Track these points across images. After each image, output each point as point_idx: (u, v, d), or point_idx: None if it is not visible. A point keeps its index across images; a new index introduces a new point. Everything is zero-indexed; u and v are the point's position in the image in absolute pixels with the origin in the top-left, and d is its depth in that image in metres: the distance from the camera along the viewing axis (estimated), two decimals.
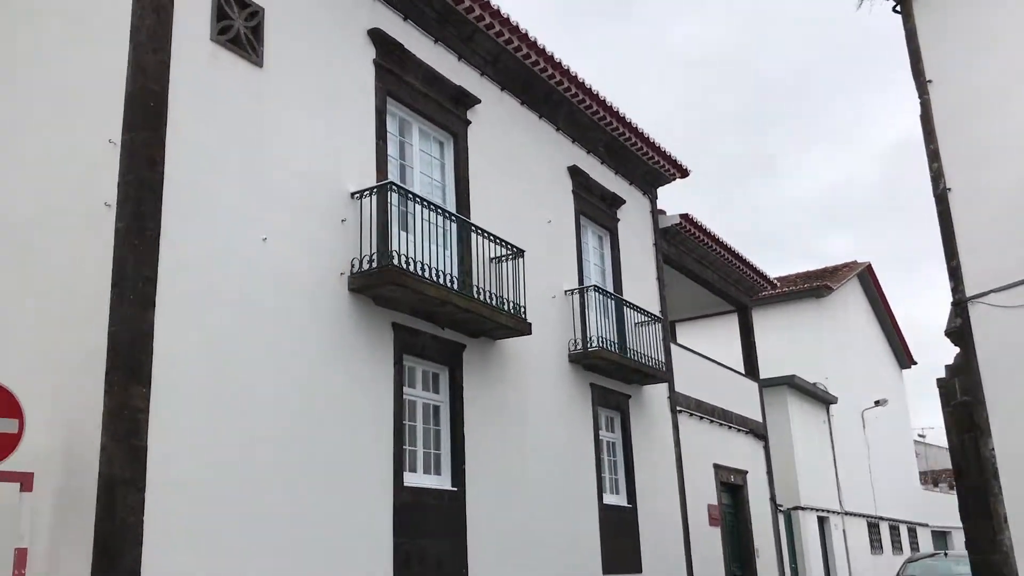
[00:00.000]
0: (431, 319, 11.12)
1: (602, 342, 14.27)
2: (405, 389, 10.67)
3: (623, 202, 16.55)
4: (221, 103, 8.99)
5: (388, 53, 11.30)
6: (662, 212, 18.34)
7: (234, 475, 8.32)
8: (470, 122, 12.72)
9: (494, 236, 11.94)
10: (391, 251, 10.17)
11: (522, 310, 12.23)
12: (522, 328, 12.09)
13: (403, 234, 10.76)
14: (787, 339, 28.47)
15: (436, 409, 11.38)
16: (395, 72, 11.40)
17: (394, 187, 10.38)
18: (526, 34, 13.40)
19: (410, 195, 10.64)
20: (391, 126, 11.39)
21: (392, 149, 11.35)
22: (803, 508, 24.68)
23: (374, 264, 10.09)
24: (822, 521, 26.30)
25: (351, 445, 9.65)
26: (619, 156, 16.75)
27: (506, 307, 11.93)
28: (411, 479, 10.48)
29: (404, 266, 10.18)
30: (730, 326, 24.91)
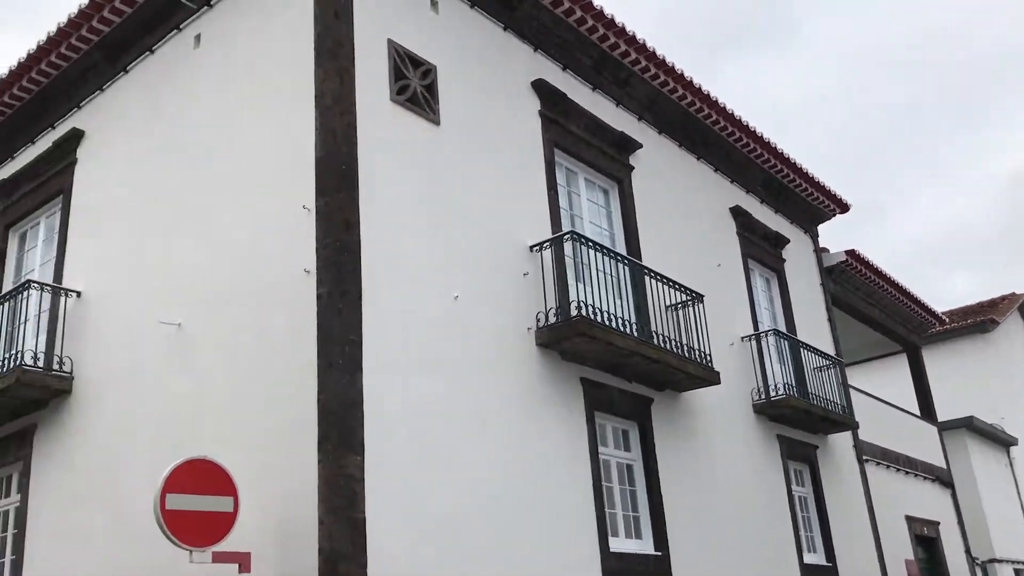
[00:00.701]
0: (616, 372, 10.57)
1: (787, 389, 13.40)
2: (599, 448, 10.10)
3: (787, 241, 15.77)
4: (405, 162, 8.83)
5: (552, 103, 11.04)
6: (824, 250, 17.44)
7: (448, 546, 7.87)
8: (633, 167, 12.31)
9: (672, 281, 11.38)
10: (575, 302, 9.73)
11: (709, 359, 11.55)
12: (711, 378, 11.40)
13: (578, 285, 10.32)
14: (954, 378, 26.60)
15: (629, 468, 10.74)
16: (559, 122, 11.11)
17: (575, 237, 9.99)
18: (682, 74, 12.99)
19: (589, 243, 10.22)
20: (559, 176, 11.07)
21: (562, 200, 11.00)
22: (999, 560, 22.66)
23: (559, 317, 9.66)
24: (1019, 573, 24.10)
25: (556, 510, 9.11)
26: (778, 194, 16.03)
27: (692, 356, 11.28)
28: (615, 544, 9.82)
29: (592, 316, 9.70)
30: (895, 368, 23.44)
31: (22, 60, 11.36)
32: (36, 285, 10.18)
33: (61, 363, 9.96)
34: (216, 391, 8.33)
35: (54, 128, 11.73)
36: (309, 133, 8.29)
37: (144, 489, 8.56)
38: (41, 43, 11.08)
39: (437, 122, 9.33)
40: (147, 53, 10.65)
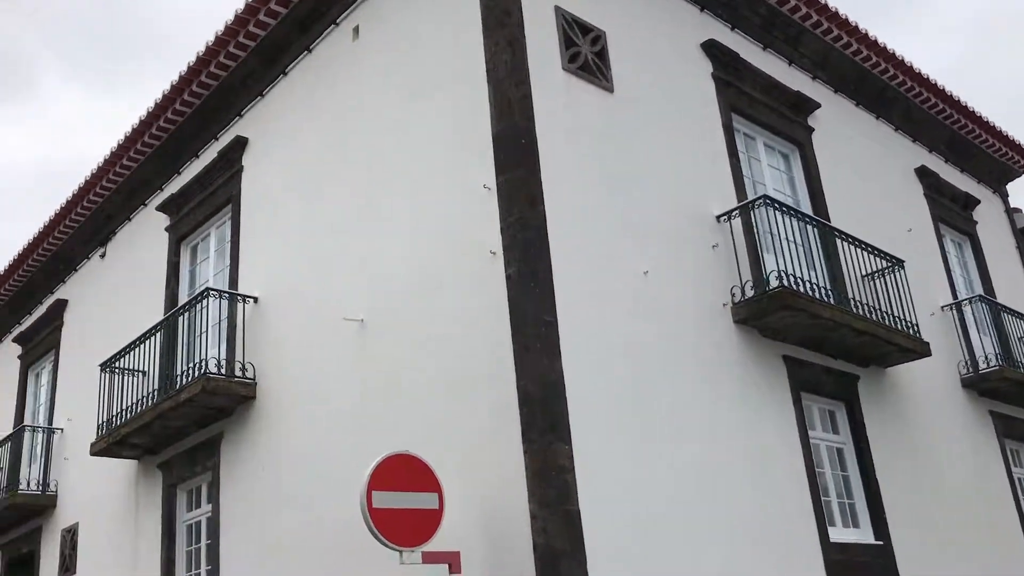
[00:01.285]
0: (819, 348, 9.69)
1: (998, 360, 12.13)
2: (808, 432, 9.24)
3: (978, 202, 14.42)
4: (583, 133, 8.28)
5: (725, 65, 10.29)
6: (1016, 210, 15.91)
7: (664, 540, 7.23)
8: (813, 129, 11.39)
9: (871, 247, 10.41)
10: (773, 272, 8.94)
11: (916, 329, 10.51)
12: (921, 350, 10.36)
13: (767, 256, 9.51)
14: None
15: (839, 452, 9.83)
16: (734, 84, 10.35)
17: (769, 202, 9.20)
18: (856, 27, 11.99)
19: (784, 209, 9.41)
20: (738, 142, 10.29)
21: (743, 166, 10.22)
22: None
23: (756, 290, 8.89)
24: None
25: (772, 498, 8.33)
26: (963, 152, 14.69)
27: (899, 327, 10.27)
28: (834, 534, 8.94)
29: (794, 287, 8.88)
30: None
31: (182, 74, 11.45)
32: (215, 293, 10.15)
33: (244, 369, 9.87)
34: (406, 385, 7.97)
35: (217, 139, 11.77)
36: (483, 109, 7.85)
37: (338, 492, 8.31)
38: (200, 54, 11.12)
39: (611, 89, 8.75)
40: (305, 53, 10.51)
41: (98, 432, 11.32)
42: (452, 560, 6.85)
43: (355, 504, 7.93)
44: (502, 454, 6.95)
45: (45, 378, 15.25)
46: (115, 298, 13.25)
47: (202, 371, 9.71)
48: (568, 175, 7.89)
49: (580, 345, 7.28)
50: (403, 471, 6.83)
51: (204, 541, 10.35)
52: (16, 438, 14.56)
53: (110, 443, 10.96)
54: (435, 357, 7.73)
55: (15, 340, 16.09)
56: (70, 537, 12.87)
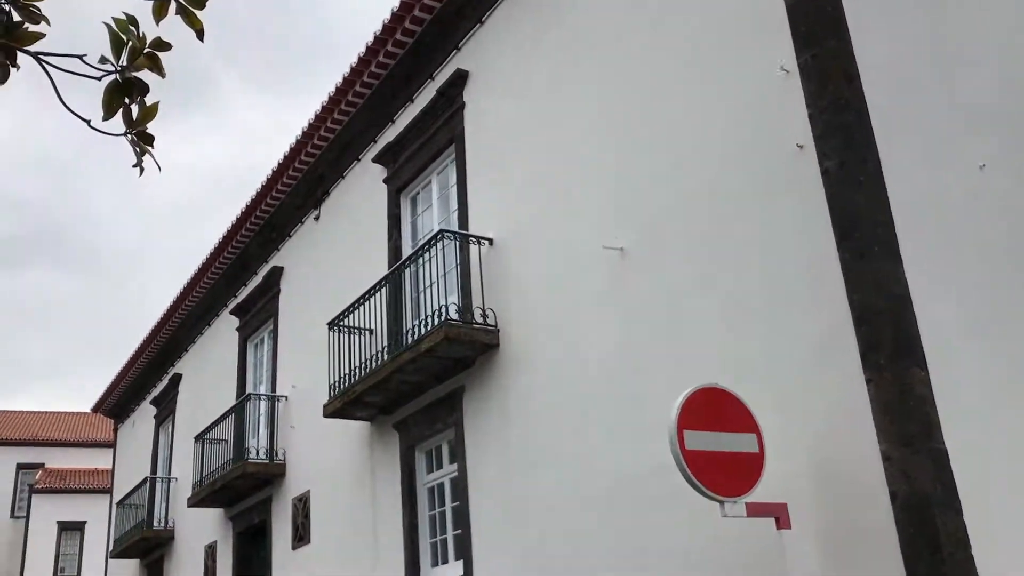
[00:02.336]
0: None
1: None
2: None
3: None
4: None
5: None
6: None
7: None
8: None
9: None
10: None
11: None
12: None
13: None
14: None
15: None
16: None
17: None
18: None
19: None
20: None
21: None
22: None
23: None
24: None
25: None
26: None
27: None
28: None
29: None
30: None
31: (395, 10, 10.72)
32: (449, 235, 9.34)
33: (484, 315, 9.02)
34: (688, 316, 6.82)
35: (433, 79, 10.99)
36: None
37: (603, 444, 7.31)
38: None
39: None
40: None
41: (330, 393, 10.82)
42: (779, 513, 5.67)
43: (622, 458, 6.92)
44: (834, 385, 5.70)
45: (265, 347, 15.12)
46: (333, 259, 12.81)
47: (443, 319, 8.91)
48: (884, 47, 6.48)
49: (922, 250, 5.89)
50: (714, 408, 5.70)
51: (449, 504, 9.62)
52: (240, 408, 14.48)
53: (344, 404, 10.41)
54: (728, 279, 6.54)
55: (232, 312, 16.10)
56: (302, 506, 12.55)
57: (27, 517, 40.53)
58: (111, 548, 19.86)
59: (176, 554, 17.45)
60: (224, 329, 16.80)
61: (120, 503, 19.55)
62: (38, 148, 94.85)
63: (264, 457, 13.41)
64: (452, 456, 9.67)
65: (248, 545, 14.54)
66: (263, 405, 14.01)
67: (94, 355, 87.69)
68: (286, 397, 13.58)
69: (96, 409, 24.02)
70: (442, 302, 9.45)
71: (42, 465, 43.33)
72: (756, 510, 5.56)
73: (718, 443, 5.58)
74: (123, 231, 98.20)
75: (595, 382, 7.66)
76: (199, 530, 16.13)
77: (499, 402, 8.85)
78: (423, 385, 9.83)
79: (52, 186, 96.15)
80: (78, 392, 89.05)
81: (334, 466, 11.78)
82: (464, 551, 8.94)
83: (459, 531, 9.24)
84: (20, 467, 43.79)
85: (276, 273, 14.59)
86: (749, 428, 5.71)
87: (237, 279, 16.25)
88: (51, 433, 45.85)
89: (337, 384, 10.75)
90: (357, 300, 10.70)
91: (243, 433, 14.74)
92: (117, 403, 23.15)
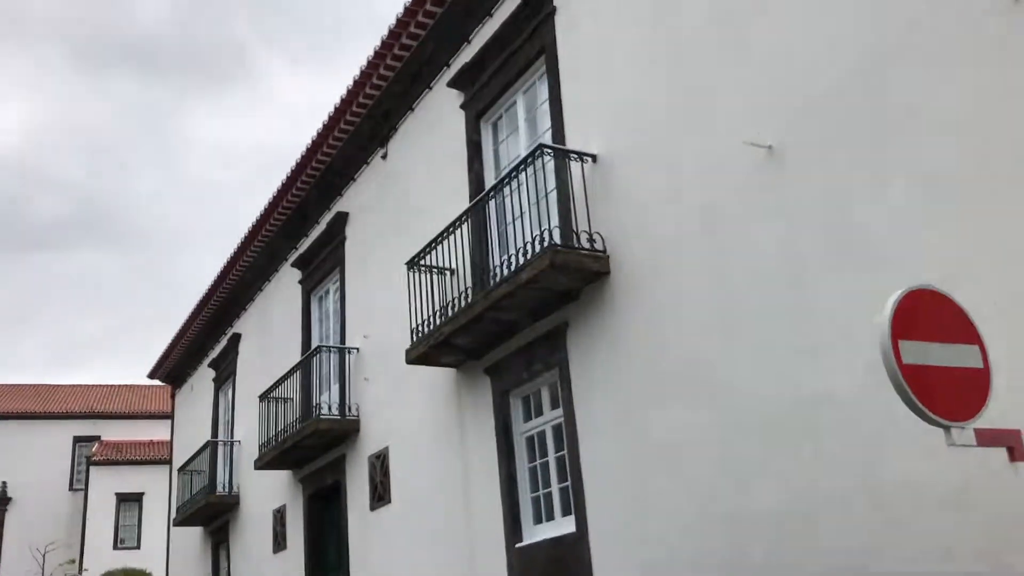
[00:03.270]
0: None
1: None
2: None
3: None
4: None
5: None
6: None
7: None
8: None
9: None
10: None
11: None
12: None
13: None
14: None
15: None
16: None
17: None
18: None
19: None
20: None
21: None
22: None
23: None
24: None
25: None
26: None
27: None
28: None
29: None
30: None
31: None
32: (548, 150, 8.29)
33: (591, 239, 7.99)
34: (863, 210, 5.73)
35: None
36: None
37: (755, 369, 6.27)
38: None
39: None
40: None
41: (413, 337, 9.89)
42: (1012, 442, 4.60)
43: (783, 383, 5.88)
44: None
45: (331, 299, 14.26)
46: (405, 198, 11.84)
47: (547, 243, 7.89)
48: None
49: None
50: (928, 315, 4.61)
51: (553, 454, 8.66)
52: (306, 364, 13.66)
53: (428, 348, 9.47)
54: (922, 163, 5.42)
55: (294, 265, 15.25)
56: (380, 463, 11.69)
57: (86, 489, 40.57)
58: (174, 516, 19.29)
59: (242, 520, 16.79)
60: (285, 284, 15.98)
61: (181, 470, 18.95)
62: (79, 130, 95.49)
63: (336, 413, 12.55)
64: (554, 401, 8.70)
65: (320, 508, 13.77)
66: (333, 359, 13.14)
67: (144, 331, 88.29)
68: (357, 349, 12.70)
69: (152, 375, 23.48)
70: (536, 232, 8.43)
71: (98, 438, 43.39)
72: (987, 438, 4.50)
73: (938, 356, 4.49)
74: (166, 210, 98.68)
75: (742, 298, 6.60)
76: (266, 494, 15.41)
77: (612, 336, 7.83)
78: (517, 324, 8.86)
79: (94, 167, 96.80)
80: (130, 368, 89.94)
81: (416, 419, 10.89)
82: (575, 505, 7.98)
83: (567, 483, 8.29)
84: (77, 440, 43.91)
85: (340, 220, 13.67)
86: (971, 339, 4.63)
87: (297, 231, 15.38)
88: (106, 406, 45.91)
89: (420, 327, 9.81)
90: (438, 236, 9.73)
91: (311, 390, 13.93)
92: (174, 368, 22.57)
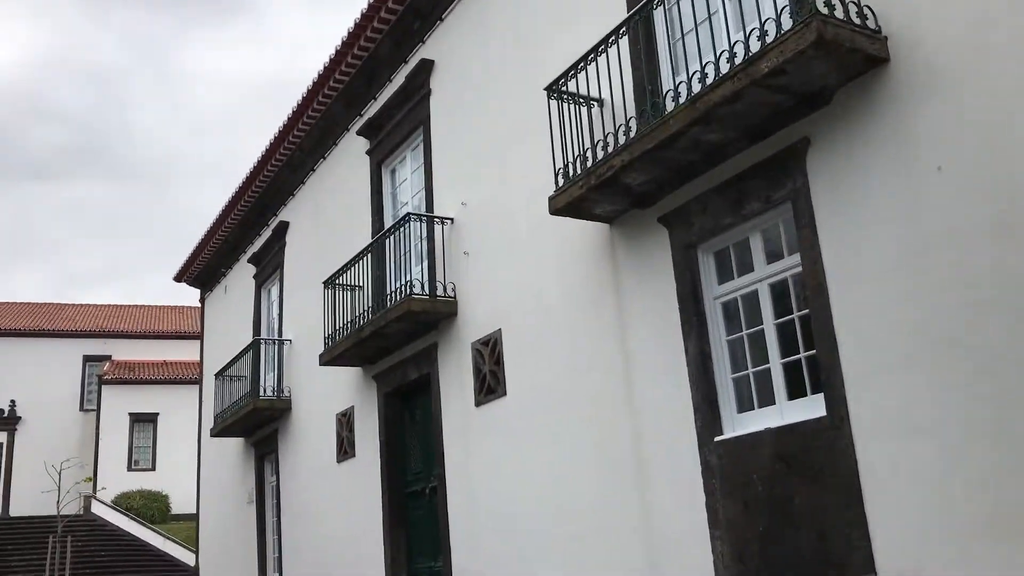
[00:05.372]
0: None
1: None
2: None
3: None
4: None
5: None
6: None
7: None
8: None
9: None
10: None
11: None
12: None
13: None
14: None
15: None
16: None
17: None
18: None
19: None
20: None
21: None
22: None
23: None
24: None
25: None
26: None
27: None
28: None
29: None
30: None
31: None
32: None
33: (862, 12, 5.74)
34: None
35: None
36: None
37: None
38: None
39: None
40: None
41: (561, 180, 7.70)
42: None
43: None
44: None
45: (408, 166, 12.03)
46: (513, 21, 9.54)
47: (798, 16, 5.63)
48: None
49: None
50: None
51: (771, 320, 6.54)
52: (380, 244, 11.51)
53: (587, 189, 7.28)
54: None
55: (360, 133, 12.99)
56: (489, 350, 9.61)
57: (97, 409, 38.87)
58: (210, 427, 17.30)
59: (294, 427, 14.80)
60: (345, 158, 13.76)
61: (219, 375, 16.90)
62: (81, 61, 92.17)
63: (425, 293, 10.41)
64: (772, 252, 6.57)
65: (399, 408, 11.74)
66: (419, 231, 10.95)
67: (148, 259, 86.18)
68: (451, 220, 10.53)
69: (179, 278, 21.32)
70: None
71: (109, 357, 41.56)
72: None
73: None
74: (165, 140, 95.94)
75: None
76: (327, 396, 13.37)
77: (887, 149, 5.64)
78: (724, 150, 6.66)
79: (96, 97, 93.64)
80: (136, 294, 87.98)
81: (543, 293, 8.77)
82: (826, 381, 5.88)
83: (798, 356, 6.20)
84: (87, 359, 42.10)
85: (425, 70, 11.36)
86: None
87: (364, 92, 13.09)
88: (116, 325, 44.00)
89: (573, 165, 7.61)
90: (587, 54, 7.49)
91: (386, 272, 11.82)
92: (203, 270, 20.44)
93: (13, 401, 39.63)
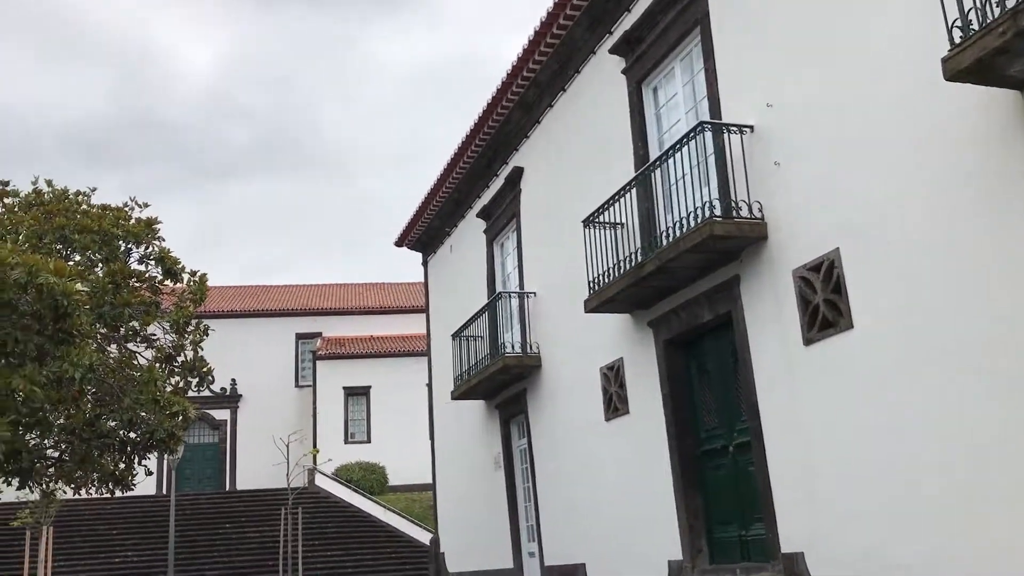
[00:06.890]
0: None
1: None
2: None
3: None
4: None
5: None
6: None
7: None
8: None
9: None
10: None
11: None
12: None
13: None
14: None
15: None
16: None
17: None
18: None
19: None
20: None
21: None
22: None
23: None
24: None
25: None
26: None
27: None
28: None
29: None
30: None
31: None
32: None
33: None
34: None
35: None
36: None
37: None
38: None
39: None
40: None
41: (956, 41, 5.90)
42: None
43: None
44: None
45: (678, 78, 10.44)
46: None
47: None
48: None
49: None
50: None
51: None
52: (645, 177, 9.99)
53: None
54: None
55: (613, 51, 11.53)
56: (822, 276, 7.93)
57: (314, 384, 39.74)
58: (452, 389, 16.45)
59: (545, 385, 13.62)
60: (590, 87, 12.38)
61: (457, 335, 15.99)
62: (262, 62, 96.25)
63: (726, 215, 8.79)
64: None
65: (684, 356, 10.26)
66: (706, 145, 9.31)
67: (334, 249, 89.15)
68: (750, 128, 8.88)
69: (400, 243, 20.72)
70: None
71: (319, 334, 42.46)
72: None
73: None
74: (347, 134, 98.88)
75: None
76: (589, 348, 12.06)
77: None
78: None
79: (277, 96, 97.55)
80: (331, 275, 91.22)
81: (909, 191, 7.00)
82: None
83: None
84: (299, 337, 43.17)
85: None
86: None
87: (615, 5, 11.62)
88: (324, 303, 44.98)
89: (980, 12, 5.79)
90: None
91: (655, 205, 10.34)
92: (424, 233, 19.71)
93: (234, 380, 41.11)
